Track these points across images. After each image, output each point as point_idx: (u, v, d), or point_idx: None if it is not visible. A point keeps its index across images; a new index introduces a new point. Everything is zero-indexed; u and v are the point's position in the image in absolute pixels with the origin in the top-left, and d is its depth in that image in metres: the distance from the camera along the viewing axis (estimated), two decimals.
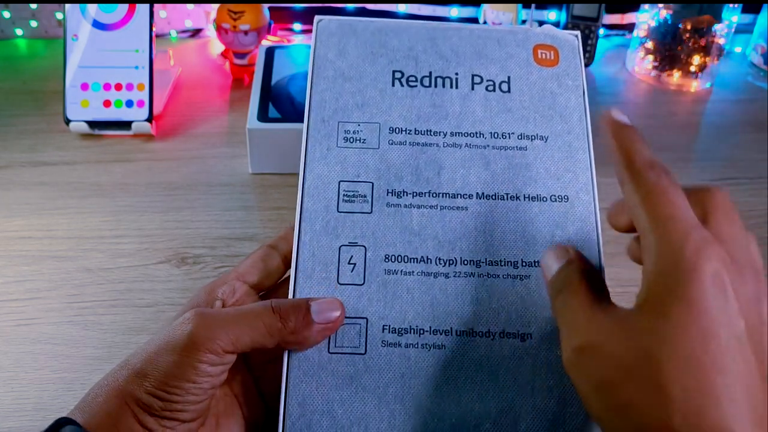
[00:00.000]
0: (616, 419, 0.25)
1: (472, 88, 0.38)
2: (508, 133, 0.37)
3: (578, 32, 0.40)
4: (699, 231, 0.25)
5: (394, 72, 0.38)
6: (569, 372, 0.27)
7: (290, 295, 0.34)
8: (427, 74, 0.38)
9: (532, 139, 0.37)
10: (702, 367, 0.23)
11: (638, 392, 0.24)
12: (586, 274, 0.29)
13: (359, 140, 0.36)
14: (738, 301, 0.24)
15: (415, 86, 0.38)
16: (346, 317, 0.33)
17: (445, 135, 0.37)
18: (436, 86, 0.38)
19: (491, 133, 0.37)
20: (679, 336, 0.23)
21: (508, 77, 0.38)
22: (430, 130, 0.37)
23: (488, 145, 0.37)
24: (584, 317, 0.27)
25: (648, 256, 0.25)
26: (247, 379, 0.35)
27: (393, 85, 0.38)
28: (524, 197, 0.36)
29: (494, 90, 0.38)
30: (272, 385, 0.34)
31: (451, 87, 0.38)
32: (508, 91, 0.38)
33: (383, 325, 0.33)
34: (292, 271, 0.34)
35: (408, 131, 0.37)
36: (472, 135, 0.37)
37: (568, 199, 0.36)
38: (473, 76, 0.38)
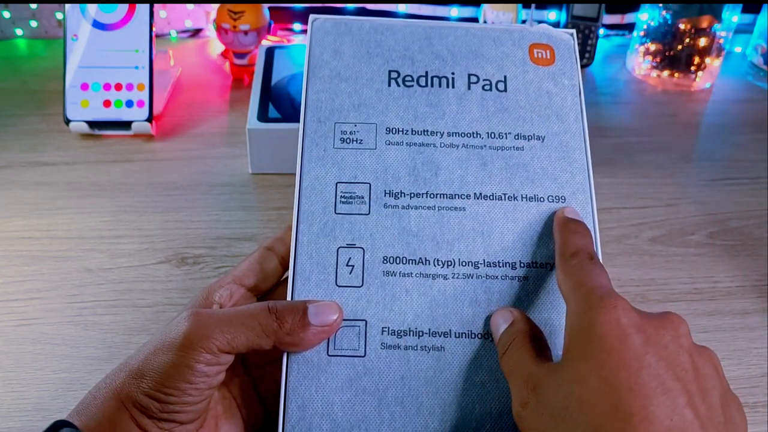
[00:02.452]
0: None
1: (469, 88, 0.38)
2: (505, 133, 0.37)
3: (574, 31, 0.40)
4: (604, 290, 0.28)
5: (390, 72, 0.38)
6: (519, 426, 0.28)
7: (288, 298, 0.34)
8: (424, 74, 0.38)
9: (528, 139, 0.37)
10: (617, 392, 0.24)
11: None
12: (529, 334, 0.31)
13: (356, 141, 0.36)
14: (652, 345, 0.26)
15: (412, 86, 0.38)
16: (345, 319, 0.33)
17: (441, 135, 0.37)
18: (432, 86, 0.38)
19: (488, 133, 0.37)
20: (593, 375, 0.25)
21: (505, 77, 0.38)
22: (427, 130, 0.37)
23: (485, 145, 0.37)
24: (527, 373, 0.28)
25: (567, 319, 0.29)
26: (246, 381, 0.35)
27: (389, 85, 0.38)
28: (521, 197, 0.36)
29: (491, 89, 0.38)
30: (271, 388, 0.34)
31: (448, 87, 0.38)
32: (505, 90, 0.38)
33: (382, 327, 0.33)
34: (290, 274, 0.34)
35: (405, 131, 0.37)
36: (468, 135, 0.37)
37: (564, 199, 0.36)
38: (469, 75, 0.38)
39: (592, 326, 0.27)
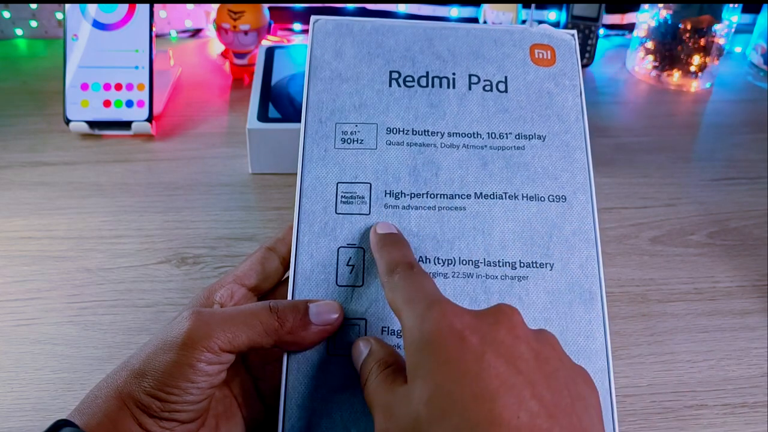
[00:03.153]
0: None
1: (470, 88, 0.38)
2: (506, 133, 0.37)
3: (575, 31, 0.40)
4: (430, 298, 0.28)
5: (391, 72, 0.38)
6: None
7: (289, 297, 0.34)
8: (424, 74, 0.38)
9: (529, 139, 0.37)
10: (462, 403, 0.24)
11: None
12: (384, 361, 0.30)
13: (357, 141, 0.37)
14: (489, 344, 0.25)
15: (412, 86, 0.38)
16: (346, 319, 0.33)
17: (442, 135, 0.37)
18: (433, 86, 0.38)
19: (489, 133, 0.37)
20: (436, 391, 0.25)
21: (505, 77, 0.38)
22: (428, 131, 0.37)
23: (486, 145, 0.37)
24: (383, 402, 0.28)
25: (404, 337, 0.28)
26: (247, 380, 0.35)
27: (390, 85, 0.38)
28: (522, 197, 0.36)
29: (491, 90, 0.38)
30: (271, 387, 0.34)
31: (449, 87, 0.38)
32: (506, 90, 0.38)
33: (382, 327, 0.33)
34: (290, 273, 0.34)
35: (405, 132, 0.37)
36: (469, 135, 0.37)
37: (565, 198, 0.36)
38: (470, 76, 0.38)
39: (426, 338, 0.26)
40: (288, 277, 0.34)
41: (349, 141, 0.36)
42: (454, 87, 0.38)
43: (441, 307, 0.27)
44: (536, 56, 0.39)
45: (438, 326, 0.26)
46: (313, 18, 0.39)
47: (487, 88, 0.38)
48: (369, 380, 0.29)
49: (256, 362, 0.35)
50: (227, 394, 0.34)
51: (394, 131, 0.37)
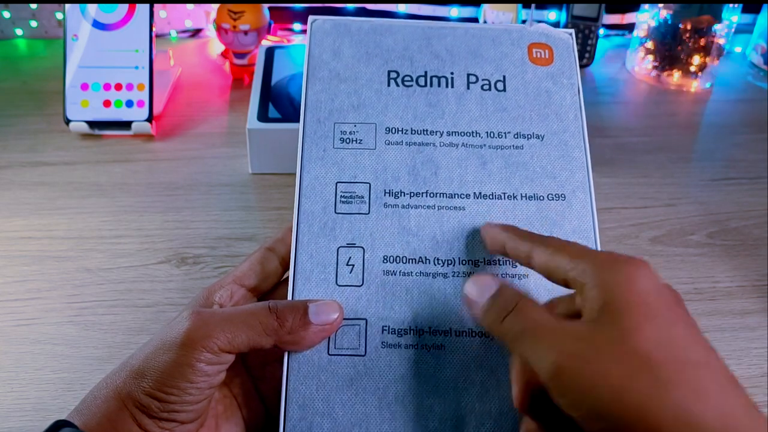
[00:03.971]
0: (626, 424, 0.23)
1: (468, 88, 0.38)
2: (504, 132, 0.37)
3: (572, 30, 0.40)
4: (619, 254, 0.27)
5: (389, 72, 0.38)
6: (557, 389, 0.25)
7: (289, 297, 0.34)
8: (423, 74, 0.38)
9: (528, 138, 0.37)
10: (692, 364, 0.24)
11: (648, 391, 0.23)
12: (527, 295, 0.28)
13: (355, 141, 0.37)
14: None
15: (411, 86, 0.38)
16: (346, 318, 0.33)
17: (441, 134, 0.37)
18: (431, 86, 0.38)
19: (487, 132, 0.37)
20: (664, 336, 0.24)
21: (504, 76, 0.38)
22: (426, 130, 0.37)
23: (484, 145, 0.37)
24: (555, 331, 0.26)
25: (583, 278, 0.27)
26: (247, 380, 0.35)
27: (388, 85, 0.38)
28: (521, 196, 0.36)
29: (490, 89, 0.38)
30: (272, 387, 0.34)
31: (447, 86, 0.38)
32: (504, 90, 0.38)
33: (383, 326, 0.33)
34: (290, 273, 0.34)
35: (404, 131, 0.37)
36: (468, 134, 0.37)
37: (564, 197, 0.36)
38: (468, 75, 0.38)
39: (634, 279, 0.25)
40: (288, 277, 0.34)
41: (347, 141, 0.37)
42: (452, 86, 0.38)
43: (636, 262, 0.26)
44: (534, 55, 0.39)
45: (644, 271, 0.26)
46: (310, 18, 0.39)
47: (486, 87, 0.38)
48: (521, 311, 0.27)
49: (256, 363, 0.35)
50: (227, 395, 0.34)
51: (393, 131, 0.37)
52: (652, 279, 0.26)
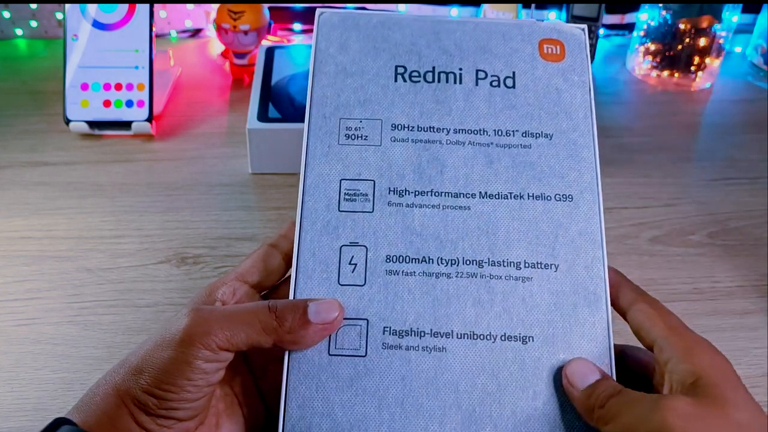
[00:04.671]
0: None
1: (476, 84, 0.37)
2: (513, 131, 0.37)
3: (585, 26, 0.39)
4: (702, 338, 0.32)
5: (396, 67, 0.38)
6: None
7: (290, 296, 0.33)
8: (431, 69, 0.38)
9: (536, 137, 0.36)
10: None
11: None
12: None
13: (361, 137, 0.36)
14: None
15: (418, 82, 0.37)
16: (347, 318, 0.33)
17: (448, 132, 0.36)
18: (439, 82, 0.37)
19: (495, 130, 0.37)
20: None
21: (513, 72, 0.38)
22: (433, 127, 0.36)
23: (492, 143, 0.36)
24: (647, 408, 0.28)
25: (677, 353, 0.31)
26: (248, 379, 0.35)
27: (395, 80, 0.37)
28: (528, 196, 0.35)
29: (499, 86, 0.37)
30: (273, 386, 0.34)
31: (455, 82, 0.37)
32: (513, 86, 0.37)
33: (384, 327, 0.33)
34: (292, 272, 0.34)
35: (410, 128, 0.36)
36: (475, 132, 0.36)
37: (572, 198, 0.35)
38: (477, 71, 0.38)
39: (723, 363, 0.30)
40: (290, 275, 0.34)
41: (353, 137, 0.36)
42: (460, 82, 0.37)
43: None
44: (545, 51, 0.38)
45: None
46: (318, 11, 0.39)
47: (495, 83, 0.37)
48: (623, 392, 0.30)
49: (257, 362, 0.35)
50: (228, 393, 0.34)
51: (399, 127, 0.36)
52: (724, 358, 0.30)
